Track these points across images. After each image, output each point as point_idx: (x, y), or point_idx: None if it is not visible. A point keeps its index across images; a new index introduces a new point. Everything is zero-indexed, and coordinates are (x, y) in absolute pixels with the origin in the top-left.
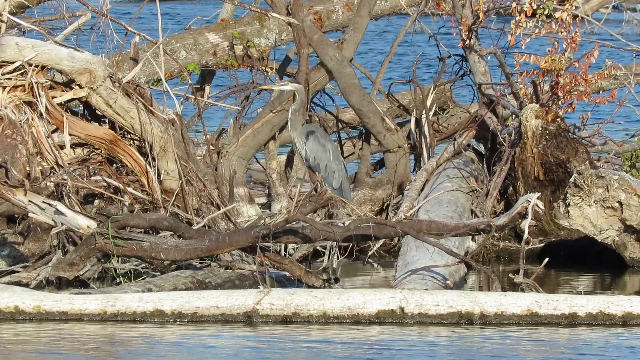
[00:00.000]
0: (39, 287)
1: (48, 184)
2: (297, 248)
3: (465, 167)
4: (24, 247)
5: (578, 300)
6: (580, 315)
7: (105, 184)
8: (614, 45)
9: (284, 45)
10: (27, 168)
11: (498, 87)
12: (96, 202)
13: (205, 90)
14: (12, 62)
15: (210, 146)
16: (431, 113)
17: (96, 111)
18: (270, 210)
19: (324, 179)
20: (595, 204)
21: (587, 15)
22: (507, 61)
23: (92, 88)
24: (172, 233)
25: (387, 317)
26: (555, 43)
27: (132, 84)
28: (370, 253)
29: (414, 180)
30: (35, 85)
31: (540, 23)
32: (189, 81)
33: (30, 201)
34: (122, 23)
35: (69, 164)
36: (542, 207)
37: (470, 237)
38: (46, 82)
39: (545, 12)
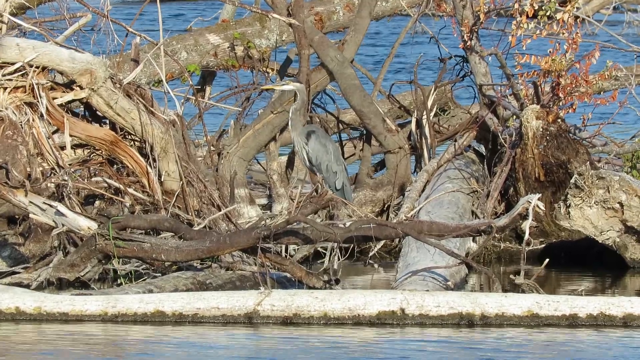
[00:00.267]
0: (40, 288)
1: (49, 184)
2: (298, 249)
3: (466, 168)
4: (25, 248)
5: (579, 301)
6: (580, 316)
7: (106, 185)
8: (615, 46)
9: (284, 46)
10: (28, 169)
11: (499, 88)
12: (97, 203)
13: (206, 91)
14: (13, 63)
15: (211, 147)
16: (432, 114)
17: (97, 112)
18: (271, 212)
19: (324, 179)
20: (596, 205)
21: (588, 17)
22: (508, 62)
23: (92, 89)
24: (172, 234)
25: (387, 318)
26: (557, 44)
27: (133, 85)
28: (371, 254)
29: (415, 181)
30: (36, 86)
31: (541, 24)
32: (190, 82)
33: (31, 202)
34: (122, 24)
35: (69, 164)
36: (543, 208)
37: (471, 238)
38: (47, 83)
39: (547, 14)
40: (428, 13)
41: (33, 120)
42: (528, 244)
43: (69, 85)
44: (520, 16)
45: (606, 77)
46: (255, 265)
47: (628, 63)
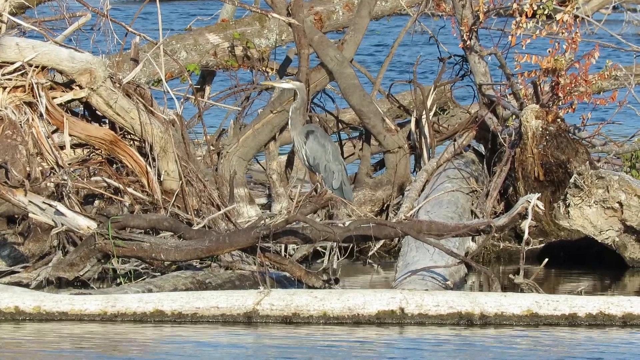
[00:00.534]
0: (39, 287)
1: (48, 184)
2: (297, 248)
3: (465, 168)
4: (24, 248)
5: (578, 300)
6: (580, 315)
7: (105, 184)
8: (615, 45)
9: (284, 45)
10: (27, 168)
11: (498, 87)
12: (96, 202)
13: (206, 91)
14: (13, 63)
15: (211, 147)
16: (431, 113)
17: (96, 112)
18: (270, 211)
19: (323, 179)
20: (596, 204)
21: (588, 16)
22: (507, 62)
23: (92, 88)
24: (172, 234)
25: (387, 318)
26: (556, 44)
27: (133, 84)
28: (370, 254)
29: (414, 180)
30: (35, 86)
31: (540, 24)
32: (190, 82)
33: (30, 201)
34: (122, 23)
35: (69, 164)
36: (542, 208)
37: (471, 237)
38: (46, 82)
39: (546, 13)
40: (427, 13)
41: (32, 119)
42: (527, 243)
43: (69, 84)
44: (520, 16)
45: (606, 76)
46: (255, 264)
47: (628, 62)
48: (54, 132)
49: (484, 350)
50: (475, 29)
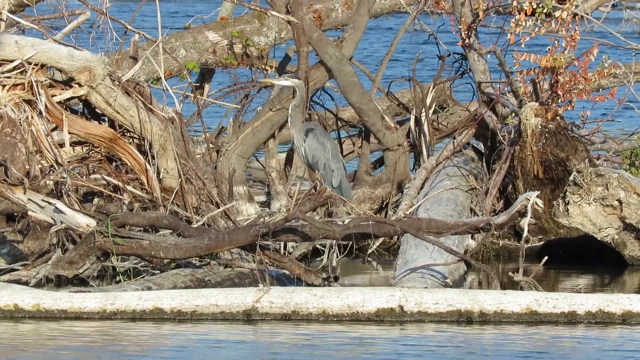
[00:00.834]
0: (39, 285)
1: (47, 182)
2: (296, 246)
3: (464, 166)
4: (24, 246)
5: (577, 298)
6: (579, 313)
7: (104, 182)
8: (614, 43)
9: (283, 43)
10: (27, 166)
11: (498, 85)
12: (95, 200)
13: (205, 89)
14: (12, 61)
15: (210, 144)
16: (431, 111)
17: (96, 109)
18: (269, 209)
19: (322, 177)
20: (595, 202)
21: (587, 14)
22: (506, 60)
23: (91, 86)
24: (171, 231)
25: (386, 316)
26: (555, 42)
27: (132, 82)
28: (369, 251)
29: (414, 178)
30: (34, 84)
31: (539, 22)
32: (189, 79)
33: (29, 199)
34: (121, 21)
35: (68, 162)
36: (542, 206)
37: (470, 235)
38: (46, 80)
39: (545, 11)
40: (427, 10)
41: (32, 117)
42: (527, 241)
43: (68, 82)
44: (519, 14)
45: (605, 74)
46: (254, 262)
47: (627, 61)
48: (53, 129)
49: (483, 348)
50: (475, 27)
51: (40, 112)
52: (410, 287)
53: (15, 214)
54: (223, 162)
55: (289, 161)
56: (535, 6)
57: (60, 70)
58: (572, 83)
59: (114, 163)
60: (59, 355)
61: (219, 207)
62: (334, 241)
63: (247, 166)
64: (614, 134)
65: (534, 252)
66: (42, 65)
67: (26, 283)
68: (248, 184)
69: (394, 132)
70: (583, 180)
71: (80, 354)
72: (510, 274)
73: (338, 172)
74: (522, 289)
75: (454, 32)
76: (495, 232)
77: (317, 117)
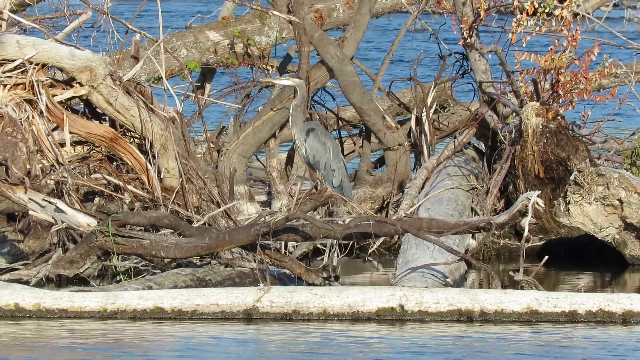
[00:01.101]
0: (39, 284)
1: (48, 181)
2: (297, 246)
3: (465, 165)
4: (24, 245)
5: (578, 298)
6: (580, 313)
7: (105, 181)
8: (615, 43)
9: (284, 43)
10: (28, 166)
11: (499, 85)
12: (96, 199)
13: (206, 88)
14: (13, 60)
15: (211, 144)
16: (432, 111)
17: (97, 109)
18: (270, 208)
19: (323, 176)
20: (596, 201)
21: (588, 14)
22: (507, 59)
23: (92, 86)
24: (172, 231)
25: (387, 315)
26: (556, 41)
27: (133, 82)
28: (370, 251)
29: (415, 178)
30: (35, 83)
31: (541, 21)
32: (190, 79)
33: (30, 199)
34: (122, 21)
35: (69, 161)
36: (542, 205)
37: (471, 235)
38: (47, 80)
39: (546, 11)
40: (428, 10)
41: (33, 117)
42: (527, 240)
43: (69, 82)
44: (521, 13)
45: (605, 74)
46: (255, 261)
47: (628, 60)
48: (54, 129)
49: (483, 347)
50: (476, 27)
51: (41, 112)
52: (410, 287)
53: (16, 213)
54: (224, 162)
55: (289, 161)
56: (537, 6)
57: (62, 70)
58: (573, 83)
59: (114, 163)
60: (59, 355)
61: (219, 207)
62: (335, 241)
63: (248, 166)
64: (614, 133)
65: (534, 251)
66: (43, 65)
67: (27, 282)
68: (249, 183)
69: (395, 132)
70: (584, 179)
71: (80, 353)
72: (510, 273)
73: (339, 172)
74: (522, 288)
75: (455, 32)
76: (496, 232)
77: (318, 117)
